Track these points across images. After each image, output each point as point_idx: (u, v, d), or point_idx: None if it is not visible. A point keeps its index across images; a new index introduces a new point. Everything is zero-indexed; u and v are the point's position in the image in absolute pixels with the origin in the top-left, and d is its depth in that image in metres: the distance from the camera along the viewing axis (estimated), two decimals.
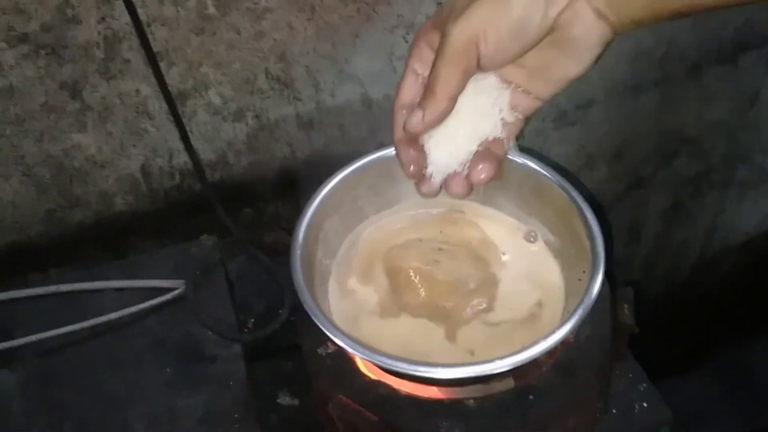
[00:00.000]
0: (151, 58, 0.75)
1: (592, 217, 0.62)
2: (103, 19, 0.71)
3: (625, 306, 0.63)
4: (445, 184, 0.58)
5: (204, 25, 0.75)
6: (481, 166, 0.56)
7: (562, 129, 1.04)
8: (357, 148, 0.91)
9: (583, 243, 0.62)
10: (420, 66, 0.56)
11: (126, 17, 0.71)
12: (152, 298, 0.80)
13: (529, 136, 1.02)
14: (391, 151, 0.63)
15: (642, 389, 0.74)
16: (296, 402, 0.77)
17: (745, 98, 1.16)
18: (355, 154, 0.79)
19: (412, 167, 0.58)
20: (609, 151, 1.12)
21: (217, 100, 0.82)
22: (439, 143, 0.56)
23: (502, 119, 0.55)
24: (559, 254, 0.68)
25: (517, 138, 0.59)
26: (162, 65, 0.76)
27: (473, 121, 0.55)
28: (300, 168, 0.92)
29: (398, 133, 0.57)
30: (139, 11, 0.71)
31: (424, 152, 0.57)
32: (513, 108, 0.55)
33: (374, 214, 0.72)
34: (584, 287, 0.58)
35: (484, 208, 0.72)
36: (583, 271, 0.60)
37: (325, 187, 0.67)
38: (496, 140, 0.56)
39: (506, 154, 0.58)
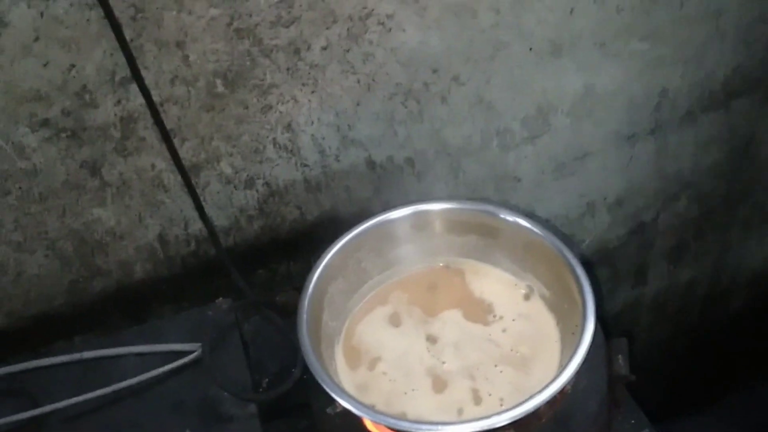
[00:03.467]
0: (165, 135, 0.79)
1: (582, 273, 0.65)
2: (119, 101, 0.77)
3: (620, 356, 0.66)
4: None
5: (214, 102, 0.80)
6: None
7: (561, 180, 1.07)
8: (363, 207, 0.96)
9: (575, 298, 0.65)
10: None
11: (140, 99, 0.76)
12: (171, 361, 0.83)
13: (529, 187, 1.06)
14: (390, 214, 0.67)
15: None
16: None
17: (740, 141, 1.19)
18: (362, 212, 0.83)
19: None
20: (609, 198, 1.15)
21: (228, 170, 0.87)
22: None
23: None
24: (554, 308, 0.71)
25: None
26: (175, 141, 0.81)
27: None
28: (309, 228, 0.96)
29: None
30: (153, 92, 0.76)
31: None
32: None
33: (378, 274, 0.75)
34: (577, 340, 0.61)
35: (481, 265, 0.75)
36: (576, 325, 0.63)
37: (329, 252, 0.71)
38: None
39: None
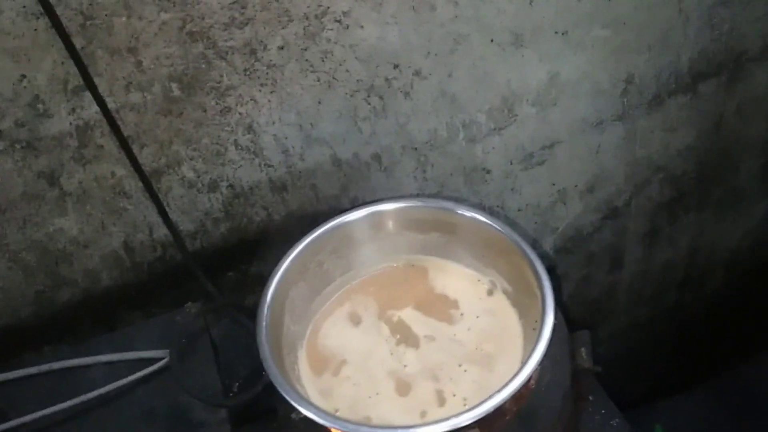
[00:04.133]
0: (123, 142, 0.79)
1: (541, 266, 0.65)
2: (73, 110, 0.76)
3: (582, 349, 0.66)
4: None
5: (171, 106, 0.80)
6: None
7: (531, 169, 1.07)
8: (331, 205, 0.95)
9: (535, 292, 0.64)
10: None
11: (95, 107, 0.75)
12: (140, 369, 0.83)
13: (499, 178, 1.06)
14: (348, 215, 0.66)
15: (614, 424, 0.76)
16: None
17: (708, 123, 1.19)
18: (331, 211, 0.83)
19: None
20: (580, 186, 1.15)
21: (190, 174, 0.86)
22: None
23: None
24: (516, 303, 0.71)
25: None
26: (134, 147, 0.80)
27: None
28: (278, 229, 0.95)
29: None
30: (108, 100, 0.76)
31: None
32: None
33: (340, 276, 0.75)
34: (537, 335, 0.61)
35: (444, 262, 0.75)
36: (536, 320, 0.63)
37: (288, 256, 0.70)
38: None
39: None
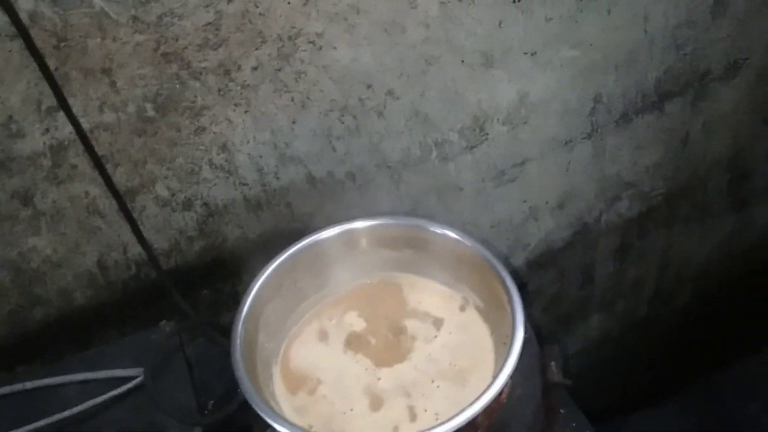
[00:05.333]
0: (97, 162, 0.79)
1: (511, 282, 0.66)
2: (47, 130, 0.76)
3: (552, 363, 0.67)
4: None
5: (145, 126, 0.80)
6: None
7: (502, 187, 1.09)
8: (306, 223, 0.96)
9: (506, 307, 0.66)
10: None
11: (69, 127, 0.76)
12: (115, 387, 0.83)
13: (471, 195, 1.07)
14: (322, 233, 0.67)
15: None
16: None
17: (676, 140, 1.22)
18: (306, 228, 0.83)
19: None
20: (551, 202, 1.17)
21: (164, 193, 0.87)
22: None
23: None
24: (487, 318, 0.72)
25: None
26: (108, 167, 0.80)
27: None
28: (253, 247, 0.96)
29: None
30: (81, 120, 0.76)
31: None
32: None
33: (314, 293, 0.76)
34: (508, 350, 0.62)
35: (417, 279, 0.76)
36: (507, 335, 0.64)
37: (262, 274, 0.71)
38: None
39: None
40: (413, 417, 0.66)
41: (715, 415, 1.57)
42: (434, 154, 1.00)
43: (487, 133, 1.01)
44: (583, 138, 1.11)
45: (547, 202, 1.16)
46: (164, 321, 0.91)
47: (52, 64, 0.71)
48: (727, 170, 1.34)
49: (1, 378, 0.89)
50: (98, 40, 0.72)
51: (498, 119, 1.00)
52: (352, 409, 0.67)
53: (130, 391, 0.83)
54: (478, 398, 0.59)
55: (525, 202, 1.14)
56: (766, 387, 1.58)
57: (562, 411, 0.78)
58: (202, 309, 0.97)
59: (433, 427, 0.58)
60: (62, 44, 0.71)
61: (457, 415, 0.59)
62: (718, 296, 1.58)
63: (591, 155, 1.14)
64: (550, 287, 1.32)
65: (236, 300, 0.99)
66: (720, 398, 1.59)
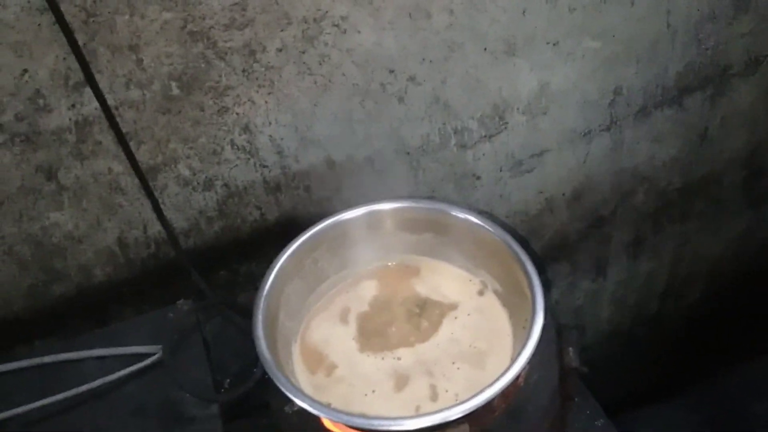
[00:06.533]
0: (121, 139, 0.80)
1: (532, 267, 0.67)
2: (73, 106, 0.77)
3: (570, 349, 0.67)
4: None
5: (169, 105, 0.81)
6: None
7: (519, 177, 1.09)
8: (324, 207, 0.96)
9: (525, 292, 0.66)
10: None
11: (95, 103, 0.76)
12: (132, 364, 0.83)
13: (488, 184, 1.08)
14: (345, 214, 0.68)
15: (599, 425, 0.78)
16: None
17: (694, 135, 1.22)
18: (323, 212, 0.84)
19: None
20: (567, 194, 1.17)
21: (186, 173, 0.87)
22: None
23: None
24: (506, 303, 0.72)
25: None
26: (132, 144, 0.81)
27: None
28: (271, 229, 0.97)
29: None
30: (107, 96, 0.77)
31: None
32: None
33: (334, 274, 0.76)
34: (527, 334, 0.63)
35: (436, 263, 0.76)
36: (526, 319, 0.64)
37: (284, 252, 0.71)
38: None
39: None
40: (435, 396, 0.66)
41: (721, 412, 1.57)
42: (453, 141, 1.00)
43: (507, 122, 1.01)
44: (602, 130, 1.11)
45: (563, 194, 1.16)
46: (182, 300, 0.91)
47: (80, 39, 0.72)
48: (744, 167, 1.34)
49: (20, 351, 0.90)
50: (126, 17, 0.73)
51: (518, 108, 1.00)
52: (373, 391, 0.68)
53: (147, 368, 0.84)
54: (497, 380, 0.60)
55: (541, 193, 1.14)
56: None
57: (576, 399, 0.78)
58: (219, 289, 0.98)
59: (453, 406, 0.59)
60: (91, 20, 0.71)
61: (475, 395, 0.59)
62: (728, 294, 1.57)
63: (609, 148, 1.14)
64: (563, 279, 1.32)
65: (253, 281, 1.00)
66: (727, 396, 1.60)
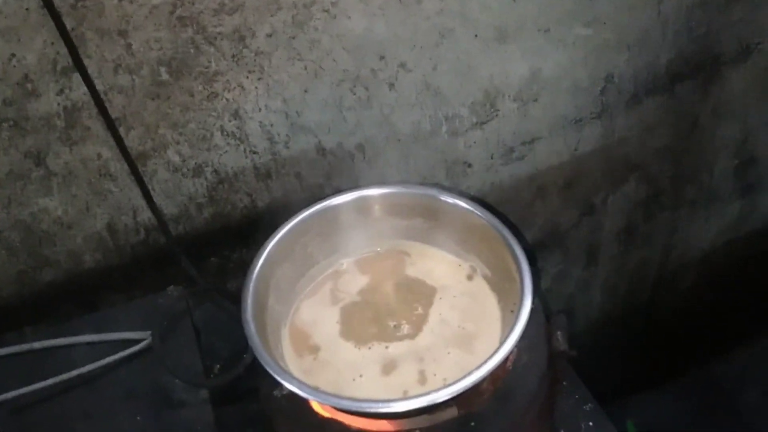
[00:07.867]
0: (110, 124, 0.79)
1: (520, 251, 0.67)
2: (61, 91, 0.76)
3: (558, 333, 0.68)
4: None
5: (158, 90, 0.80)
6: None
7: (511, 164, 1.09)
8: (315, 193, 0.96)
9: (514, 276, 0.66)
10: None
11: (84, 88, 0.76)
12: (122, 350, 0.83)
13: (480, 171, 1.08)
14: (334, 199, 0.68)
15: (588, 409, 0.78)
16: None
17: (685, 123, 1.22)
18: (313, 199, 0.84)
19: None
20: (559, 182, 1.17)
21: (176, 159, 0.87)
22: None
23: None
24: (495, 288, 0.72)
25: None
26: (121, 130, 0.81)
27: None
28: (261, 216, 0.97)
29: None
30: (96, 81, 0.76)
31: None
32: None
33: (324, 259, 0.76)
34: (515, 317, 0.63)
35: (426, 248, 0.76)
36: (515, 303, 0.65)
37: (274, 237, 0.71)
38: None
39: None
40: (423, 380, 0.67)
41: (713, 400, 1.58)
42: (444, 128, 1.00)
43: (498, 109, 1.01)
44: (593, 118, 1.11)
45: (554, 182, 1.16)
46: (172, 286, 0.91)
47: (68, 23, 0.71)
48: (735, 155, 1.34)
49: (9, 337, 0.90)
50: (115, 1, 0.72)
51: (509, 95, 1.00)
52: (361, 375, 0.68)
53: (136, 354, 0.84)
54: (484, 362, 0.60)
55: (533, 180, 1.14)
56: (764, 374, 1.59)
57: (564, 383, 0.79)
58: (209, 276, 0.98)
59: (440, 389, 0.59)
60: (79, 4, 0.71)
61: (463, 378, 0.59)
62: (719, 282, 1.58)
63: (600, 135, 1.14)
64: (554, 267, 1.32)
65: (243, 268, 0.99)
66: (718, 384, 1.61)
